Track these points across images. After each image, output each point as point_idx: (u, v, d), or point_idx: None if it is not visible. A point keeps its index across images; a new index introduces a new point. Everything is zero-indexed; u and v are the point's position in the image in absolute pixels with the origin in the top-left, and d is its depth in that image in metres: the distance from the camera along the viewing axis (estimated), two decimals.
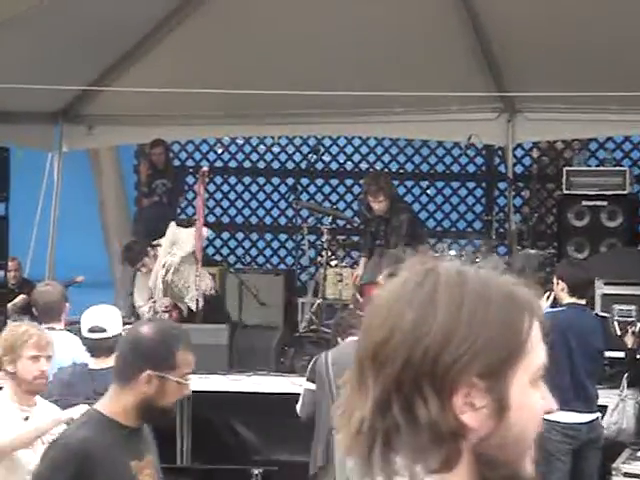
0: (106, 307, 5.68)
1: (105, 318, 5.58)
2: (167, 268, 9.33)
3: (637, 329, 7.85)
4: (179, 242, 9.52)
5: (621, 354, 7.92)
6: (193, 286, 9.30)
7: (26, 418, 4.79)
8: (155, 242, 9.57)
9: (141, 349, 3.45)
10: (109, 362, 5.36)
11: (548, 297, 7.22)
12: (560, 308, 7.12)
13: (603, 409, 7.41)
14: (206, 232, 9.94)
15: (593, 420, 7.02)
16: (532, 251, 9.93)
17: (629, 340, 7.80)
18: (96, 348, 5.53)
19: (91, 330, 5.53)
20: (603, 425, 7.30)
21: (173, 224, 9.77)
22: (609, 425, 7.29)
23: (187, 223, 10.11)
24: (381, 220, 9.26)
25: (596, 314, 7.60)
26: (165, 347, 3.44)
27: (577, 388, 6.98)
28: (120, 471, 3.44)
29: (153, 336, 3.44)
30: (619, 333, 8.19)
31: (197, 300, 9.17)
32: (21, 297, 10.26)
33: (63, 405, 5.26)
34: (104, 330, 5.52)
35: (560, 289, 7.12)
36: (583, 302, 7.18)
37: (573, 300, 7.09)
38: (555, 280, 7.18)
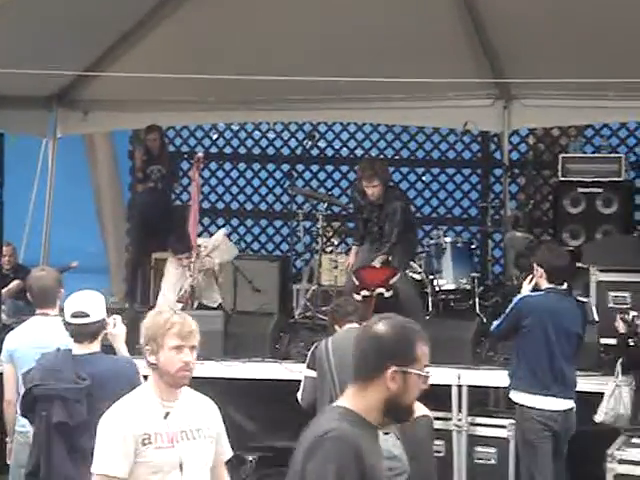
0: (90, 292, 5.58)
1: (88, 303, 5.51)
2: (203, 267, 9.37)
3: (629, 317, 7.86)
4: (218, 250, 9.60)
5: (613, 341, 7.95)
6: (216, 293, 9.43)
7: (166, 415, 4.47)
8: (201, 242, 9.59)
9: (384, 346, 3.47)
10: (92, 347, 5.43)
11: (530, 281, 7.31)
12: (538, 293, 7.19)
13: (600, 396, 7.44)
14: (224, 232, 10.04)
15: (569, 409, 7.08)
16: (518, 233, 9.95)
17: (620, 326, 7.85)
18: (79, 333, 5.45)
19: (74, 315, 5.45)
20: (602, 412, 7.39)
21: (223, 231, 10.07)
22: (607, 411, 7.36)
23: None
24: (374, 207, 9.23)
25: (575, 299, 7.63)
26: (406, 341, 3.50)
27: (555, 372, 7.05)
28: (378, 473, 3.42)
29: (393, 331, 3.49)
30: (597, 318, 8.24)
31: (192, 287, 9.17)
32: (16, 282, 10.25)
33: (44, 390, 5.24)
34: (87, 315, 5.45)
35: (539, 275, 7.21)
36: (563, 287, 7.25)
37: (551, 285, 7.16)
38: (535, 266, 7.26)
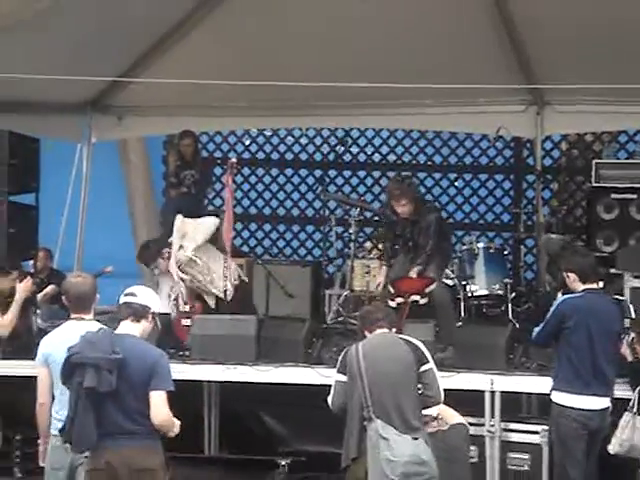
0: (147, 288, 6.30)
1: (140, 289, 6.16)
2: (178, 265, 9.36)
3: (629, 339, 7.86)
4: (187, 235, 9.55)
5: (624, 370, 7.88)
6: (220, 276, 9.31)
7: None
8: (170, 239, 9.58)
9: None
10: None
11: (563, 292, 7.42)
12: (577, 294, 7.26)
13: (624, 403, 7.40)
14: (214, 220, 9.93)
15: (606, 407, 7.17)
16: (553, 236, 9.93)
17: (626, 352, 7.79)
18: (123, 310, 6.02)
19: (125, 294, 6.08)
20: (617, 444, 7.34)
21: (179, 217, 9.78)
22: (621, 442, 7.34)
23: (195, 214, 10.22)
24: (407, 222, 9.20)
25: (613, 298, 7.65)
26: None
27: (597, 371, 7.15)
28: None
29: None
30: (634, 315, 8.22)
31: (226, 290, 9.19)
32: (51, 287, 10.32)
33: (81, 358, 5.70)
34: (135, 295, 6.05)
35: (572, 280, 7.30)
36: (598, 286, 7.32)
37: (587, 286, 7.24)
38: (565, 274, 7.35)
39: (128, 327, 6.01)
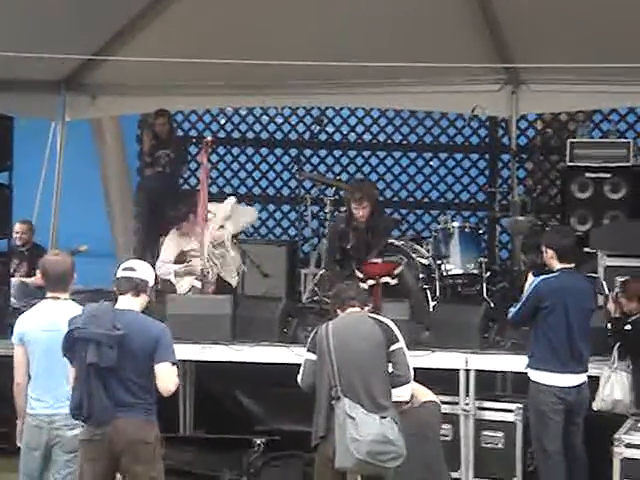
0: (144, 263, 6.33)
1: (138, 263, 6.22)
2: (214, 241, 9.35)
3: (613, 294, 8.03)
4: (232, 218, 9.57)
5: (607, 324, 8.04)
6: (233, 264, 9.38)
7: None
8: (209, 210, 9.51)
9: None
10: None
11: (534, 274, 7.48)
12: (554, 274, 7.33)
13: (595, 379, 7.49)
14: (233, 199, 9.92)
15: (583, 382, 7.28)
16: (520, 217, 9.98)
17: (611, 307, 7.97)
18: (123, 284, 6.03)
19: (123, 269, 6.10)
20: (599, 400, 7.51)
21: (232, 199, 9.81)
22: (604, 398, 7.46)
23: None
24: (360, 230, 9.14)
25: (586, 276, 7.73)
26: None
27: (573, 349, 7.25)
28: None
29: None
30: (607, 292, 8.32)
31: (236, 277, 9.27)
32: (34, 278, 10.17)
33: (83, 333, 5.77)
34: (134, 270, 6.08)
35: (550, 257, 7.38)
36: (572, 266, 7.39)
37: (563, 265, 7.31)
38: (544, 249, 7.43)
39: (128, 302, 6.01)
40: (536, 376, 7.26)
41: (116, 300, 6.05)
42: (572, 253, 7.42)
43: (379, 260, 8.97)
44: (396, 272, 8.81)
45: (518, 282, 9.20)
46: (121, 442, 5.82)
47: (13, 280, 9.77)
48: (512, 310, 7.46)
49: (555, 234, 7.63)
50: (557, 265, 7.33)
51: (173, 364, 5.92)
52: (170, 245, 9.69)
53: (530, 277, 7.51)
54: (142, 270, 6.11)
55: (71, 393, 5.92)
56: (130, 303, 6.01)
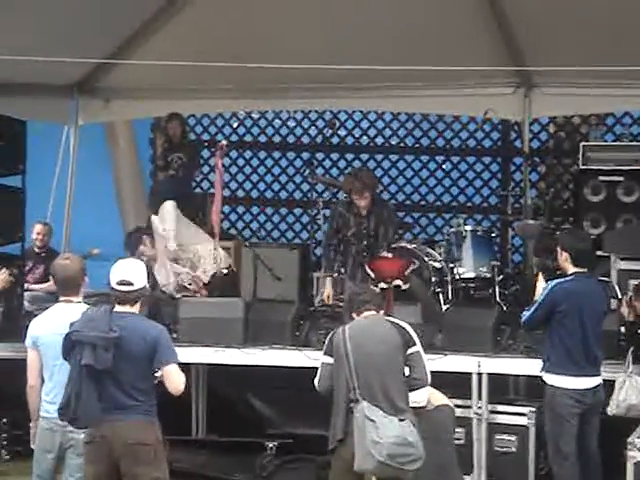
0: (133, 261, 6.31)
1: (133, 273, 6.09)
2: (170, 259, 9.43)
3: (627, 297, 8.02)
4: (163, 220, 9.62)
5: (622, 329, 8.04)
6: (208, 259, 9.33)
7: None
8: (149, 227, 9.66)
9: None
10: (131, 309, 6.04)
11: (546, 278, 7.49)
12: (568, 278, 7.32)
13: (611, 383, 7.48)
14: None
15: (598, 385, 7.29)
16: (531, 221, 9.97)
17: (625, 311, 7.95)
18: (123, 299, 6.04)
19: (119, 283, 6.04)
20: (614, 405, 7.48)
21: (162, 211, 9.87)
22: (618, 403, 7.43)
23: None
24: (362, 218, 9.15)
25: (599, 280, 7.73)
26: None
27: (589, 353, 7.25)
28: None
29: None
30: (620, 296, 8.31)
31: (215, 274, 9.22)
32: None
33: (79, 336, 5.87)
34: (131, 284, 6.03)
35: (564, 259, 7.36)
36: (585, 270, 7.39)
37: (577, 269, 7.32)
38: (559, 251, 7.40)
39: (127, 308, 6.05)
40: (552, 380, 7.24)
41: (107, 303, 6.09)
42: (587, 258, 7.42)
43: (389, 255, 8.96)
44: (407, 273, 8.80)
45: (531, 285, 9.19)
46: (119, 445, 5.84)
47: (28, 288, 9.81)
48: (526, 314, 7.44)
49: (571, 237, 7.59)
50: (571, 269, 7.31)
51: (177, 362, 5.95)
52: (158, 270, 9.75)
53: (540, 279, 7.48)
54: (138, 279, 6.07)
55: (63, 394, 5.96)
56: (129, 308, 6.05)
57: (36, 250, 10.49)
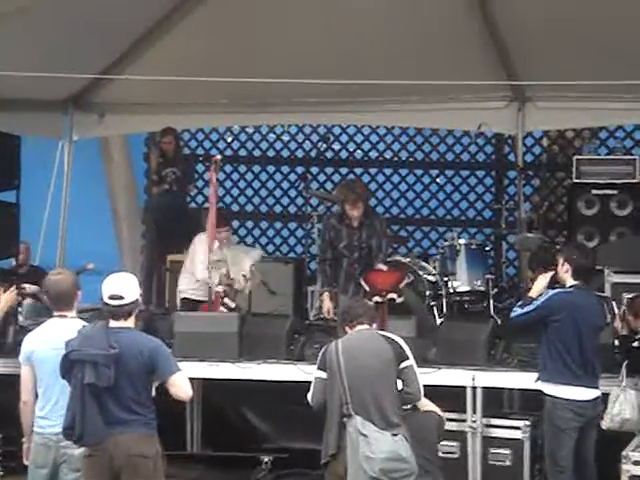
0: (124, 275, 6.23)
1: (124, 286, 6.08)
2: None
3: (621, 312, 8.02)
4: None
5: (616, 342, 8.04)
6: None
7: None
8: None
9: None
10: (126, 323, 6.04)
11: (547, 277, 7.49)
12: (568, 289, 7.33)
13: (605, 397, 7.48)
14: (258, 255, 10.12)
15: (597, 397, 7.29)
16: (530, 234, 9.98)
17: (618, 325, 7.96)
18: (115, 313, 6.03)
19: (111, 297, 6.03)
20: (608, 419, 7.44)
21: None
22: (612, 417, 7.41)
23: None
24: (353, 229, 9.14)
25: (597, 295, 7.76)
26: None
27: (586, 364, 7.24)
28: None
29: None
30: (617, 311, 8.33)
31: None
32: (32, 287, 10.26)
33: (79, 355, 5.81)
34: (122, 297, 6.02)
35: (564, 270, 7.37)
36: (585, 284, 7.42)
37: (575, 283, 7.33)
38: (561, 262, 7.40)
39: (122, 322, 6.05)
40: (551, 390, 7.23)
41: (103, 318, 6.10)
42: (587, 273, 7.46)
43: (384, 267, 8.96)
44: (401, 287, 8.81)
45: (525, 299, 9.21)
46: (120, 457, 5.85)
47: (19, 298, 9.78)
48: (517, 310, 7.42)
49: (576, 251, 7.59)
50: (570, 281, 7.33)
51: (180, 370, 5.99)
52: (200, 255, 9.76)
53: (541, 278, 7.49)
54: (129, 293, 6.06)
55: (65, 413, 5.95)
56: (124, 323, 6.05)
57: (19, 270, 10.47)
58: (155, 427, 6.00)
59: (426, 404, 7.00)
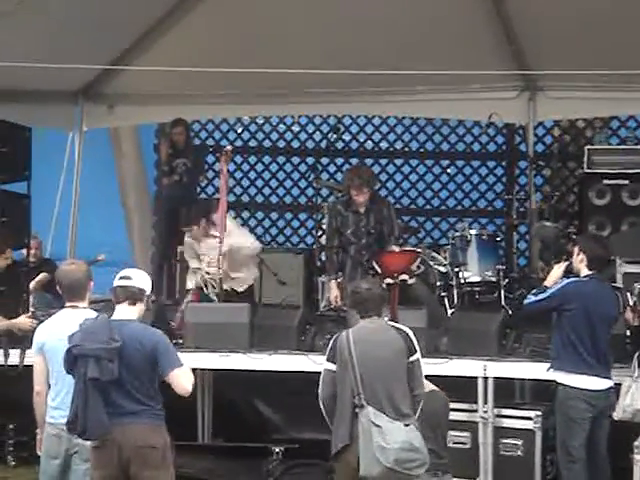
0: (140, 271, 6.31)
1: (134, 272, 6.18)
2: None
3: (632, 302, 8.02)
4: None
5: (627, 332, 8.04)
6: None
7: None
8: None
9: None
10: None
11: (562, 266, 7.52)
12: (582, 279, 7.35)
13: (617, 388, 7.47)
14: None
15: (610, 387, 7.29)
16: (547, 223, 9.96)
17: (630, 316, 7.95)
18: (118, 293, 6.05)
19: (120, 278, 6.08)
20: (620, 410, 7.43)
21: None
22: (625, 408, 7.40)
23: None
24: (360, 215, 9.12)
25: (611, 286, 7.77)
26: None
27: (598, 354, 7.25)
28: None
29: None
30: (631, 303, 8.31)
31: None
32: (43, 275, 10.31)
33: (81, 350, 5.75)
34: (130, 278, 6.06)
35: (579, 260, 7.38)
36: (599, 274, 7.43)
37: (590, 273, 7.35)
38: (576, 251, 7.43)
39: (125, 311, 6.01)
40: (564, 379, 7.23)
41: (113, 309, 6.07)
42: (603, 265, 7.47)
43: (397, 249, 8.95)
44: (412, 267, 8.77)
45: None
46: (129, 448, 5.84)
47: (31, 290, 9.79)
48: (531, 297, 7.43)
49: (593, 242, 7.64)
50: (585, 271, 7.35)
51: (181, 365, 5.95)
52: (187, 248, 9.84)
53: (558, 267, 7.49)
54: (138, 279, 6.09)
55: (69, 408, 5.94)
56: (127, 312, 6.01)
57: (31, 264, 10.49)
58: (163, 418, 5.98)
59: (426, 384, 6.97)
